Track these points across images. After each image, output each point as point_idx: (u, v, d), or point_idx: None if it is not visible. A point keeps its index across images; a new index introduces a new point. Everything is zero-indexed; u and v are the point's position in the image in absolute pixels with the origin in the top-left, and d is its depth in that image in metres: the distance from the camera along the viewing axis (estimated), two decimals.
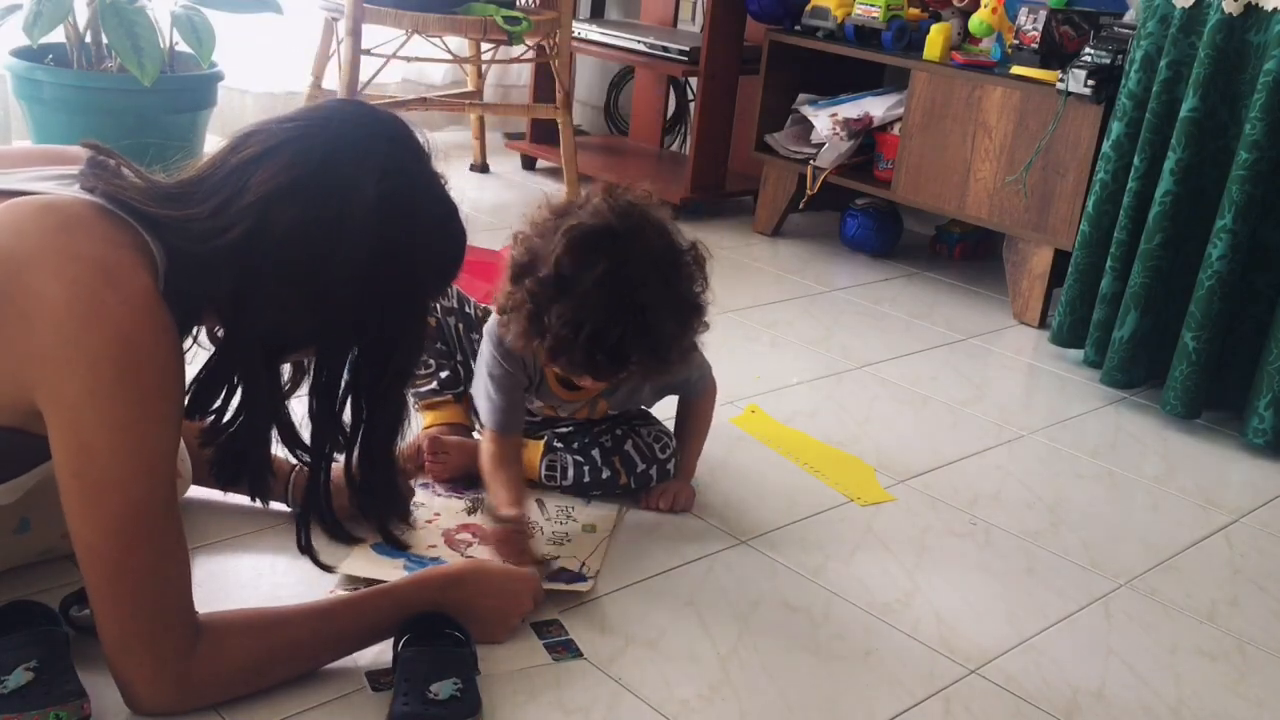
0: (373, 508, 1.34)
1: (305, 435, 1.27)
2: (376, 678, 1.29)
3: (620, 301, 1.43)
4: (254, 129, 1.20)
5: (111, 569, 1.13)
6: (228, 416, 1.24)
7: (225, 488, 1.26)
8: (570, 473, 1.72)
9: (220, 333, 1.22)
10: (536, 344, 1.49)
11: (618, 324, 1.43)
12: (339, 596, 1.33)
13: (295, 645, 1.25)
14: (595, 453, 1.72)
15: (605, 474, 1.72)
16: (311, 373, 1.24)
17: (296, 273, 1.15)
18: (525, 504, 1.63)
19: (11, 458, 1.22)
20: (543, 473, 1.72)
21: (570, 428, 1.77)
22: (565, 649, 1.38)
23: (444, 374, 1.81)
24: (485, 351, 1.66)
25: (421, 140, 1.24)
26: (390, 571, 1.47)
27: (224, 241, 1.14)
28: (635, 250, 1.46)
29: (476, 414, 1.76)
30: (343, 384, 1.23)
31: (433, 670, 1.23)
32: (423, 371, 1.79)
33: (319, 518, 1.31)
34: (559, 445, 1.73)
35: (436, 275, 1.27)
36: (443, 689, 1.21)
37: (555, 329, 1.44)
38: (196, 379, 1.20)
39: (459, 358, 1.82)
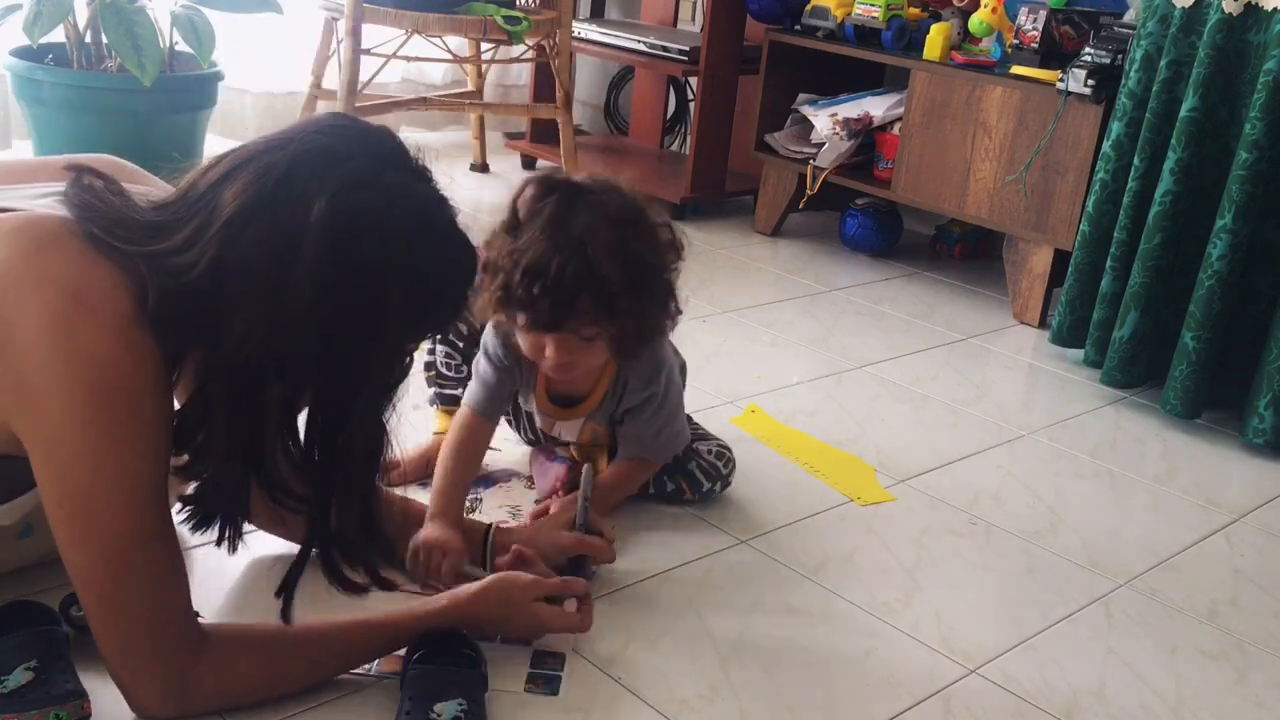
0: (354, 550, 1.21)
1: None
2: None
3: (561, 234, 1.42)
4: (236, 148, 1.14)
5: (103, 593, 1.11)
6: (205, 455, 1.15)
7: (195, 530, 1.18)
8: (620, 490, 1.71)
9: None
10: (488, 297, 1.46)
11: (556, 254, 1.41)
12: (357, 618, 1.28)
13: (308, 665, 1.24)
14: (660, 474, 1.73)
15: (670, 488, 1.73)
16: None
17: (258, 295, 1.06)
18: (456, 521, 1.52)
19: (8, 480, 1.20)
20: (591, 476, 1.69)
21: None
22: (544, 683, 1.32)
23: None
24: (485, 334, 1.64)
25: (414, 154, 1.15)
26: (389, 574, 1.46)
27: (197, 273, 1.07)
28: (589, 198, 1.46)
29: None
30: (311, 416, 1.14)
31: (439, 690, 1.22)
32: (451, 375, 1.78)
33: (323, 560, 1.21)
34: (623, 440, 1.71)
35: (414, 299, 1.12)
36: (447, 709, 1.20)
37: (502, 266, 1.44)
38: (178, 412, 1.13)
39: None
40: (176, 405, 1.14)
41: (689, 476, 1.74)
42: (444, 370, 1.80)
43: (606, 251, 1.42)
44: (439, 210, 1.15)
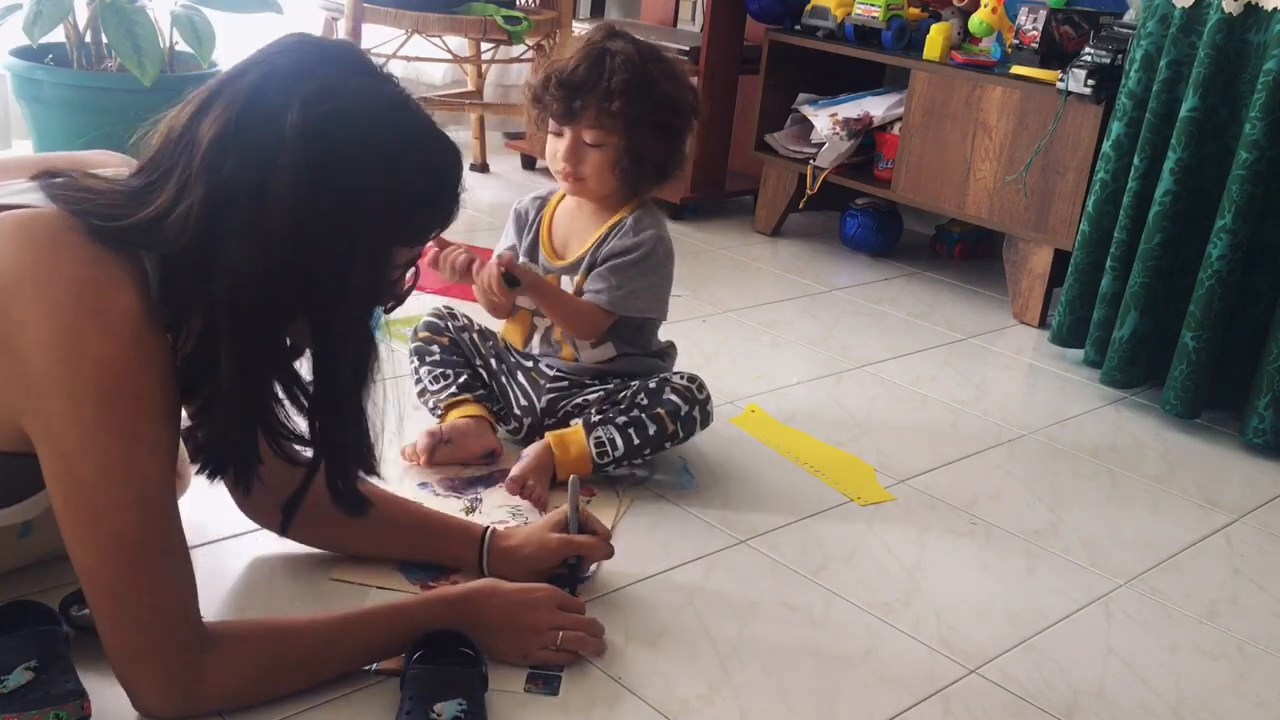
0: (339, 458, 1.21)
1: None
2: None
3: (592, 48, 1.71)
4: (206, 82, 1.15)
5: (111, 591, 1.12)
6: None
7: (212, 477, 1.20)
8: (619, 441, 1.74)
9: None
10: (528, 109, 1.77)
11: (578, 57, 1.71)
12: (352, 611, 1.30)
13: (306, 658, 1.24)
14: (636, 413, 1.75)
15: (653, 429, 1.75)
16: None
17: (245, 218, 1.07)
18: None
19: (19, 480, 1.20)
20: (594, 455, 1.73)
21: (602, 408, 1.78)
22: (544, 683, 1.32)
23: (462, 378, 1.87)
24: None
25: (379, 64, 1.17)
26: (387, 574, 1.47)
27: (191, 230, 1.07)
28: (629, 35, 1.75)
29: (496, 412, 1.87)
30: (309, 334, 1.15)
31: (438, 689, 1.22)
32: (441, 383, 1.86)
33: (329, 476, 1.22)
34: (598, 420, 1.75)
35: (392, 195, 1.12)
36: (447, 709, 1.20)
37: (537, 73, 1.75)
38: (184, 356, 1.13)
39: (477, 362, 1.89)
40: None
41: (666, 404, 1.75)
42: (431, 386, 1.87)
43: (623, 65, 1.69)
44: (409, 108, 1.16)
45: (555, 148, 1.77)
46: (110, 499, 1.08)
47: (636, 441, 1.75)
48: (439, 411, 1.85)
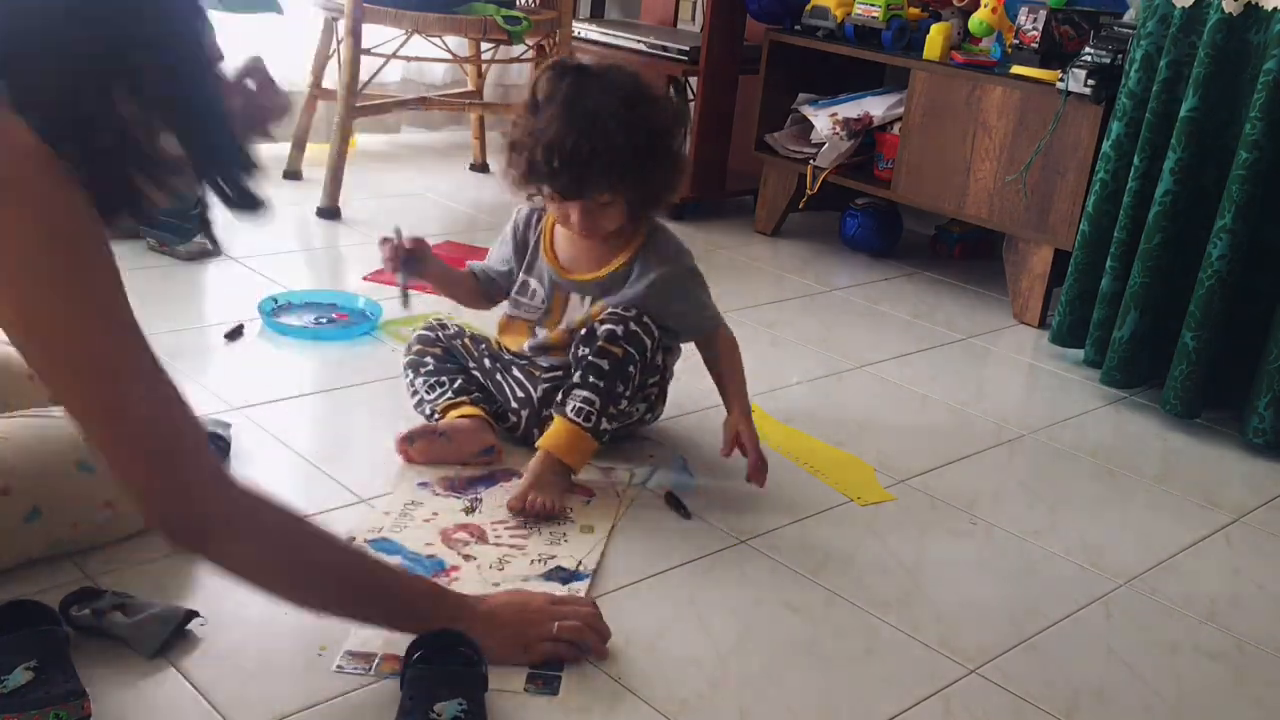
0: (214, 158, 1.21)
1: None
2: (350, 657, 1.31)
3: (576, 110, 1.66)
4: None
5: (108, 423, 1.10)
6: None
7: (108, 219, 1.15)
8: (588, 394, 1.71)
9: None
10: (515, 174, 1.72)
11: (571, 130, 1.64)
12: (384, 561, 1.35)
13: (324, 565, 1.22)
14: (584, 364, 1.73)
15: (605, 364, 1.72)
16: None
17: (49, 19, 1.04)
18: (435, 264, 1.86)
19: None
20: (582, 424, 1.71)
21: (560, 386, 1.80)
22: (544, 683, 1.31)
23: (457, 382, 1.87)
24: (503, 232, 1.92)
25: None
26: None
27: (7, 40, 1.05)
28: (600, 78, 1.70)
29: (494, 410, 1.88)
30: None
31: (438, 689, 1.21)
32: (436, 390, 1.86)
33: (220, 191, 1.22)
34: (561, 398, 1.75)
35: None
36: (447, 709, 1.20)
37: (525, 144, 1.68)
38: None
39: (471, 366, 1.90)
40: None
41: (602, 336, 1.73)
42: (427, 395, 1.87)
43: (616, 124, 1.65)
44: None
45: (567, 212, 1.74)
46: (81, 327, 1.07)
47: (601, 383, 1.71)
48: (436, 416, 1.85)
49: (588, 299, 1.82)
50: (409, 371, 1.90)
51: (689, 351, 1.92)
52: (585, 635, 1.35)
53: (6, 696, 1.13)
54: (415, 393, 1.88)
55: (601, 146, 1.65)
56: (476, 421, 1.82)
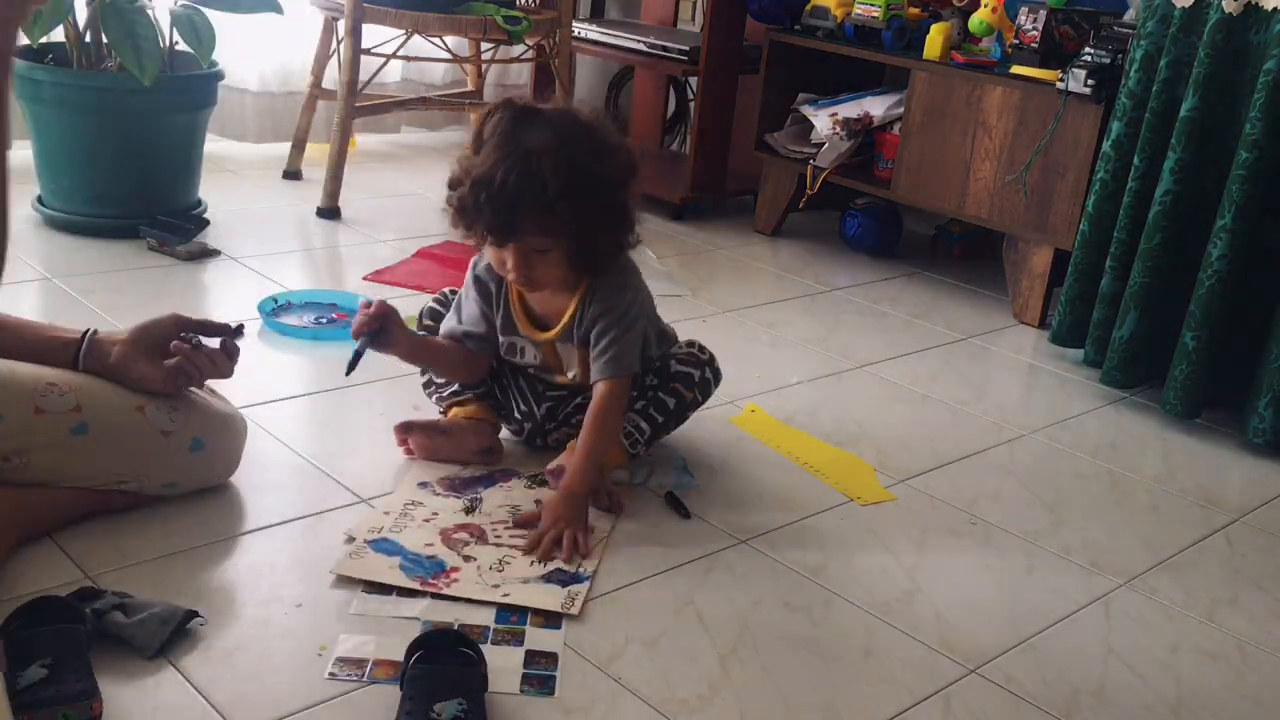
0: None
1: None
2: (341, 664, 1.30)
3: (510, 148, 1.56)
4: None
5: None
6: None
7: None
8: (644, 425, 1.77)
9: None
10: (451, 212, 1.62)
11: (503, 165, 1.54)
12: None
13: None
14: (651, 394, 1.77)
15: (672, 402, 1.76)
16: None
17: None
18: (408, 341, 1.73)
19: None
20: (625, 445, 1.75)
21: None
22: (540, 683, 1.31)
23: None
24: (465, 281, 1.79)
25: None
26: (386, 572, 1.47)
27: None
28: (542, 117, 1.59)
29: (499, 410, 1.87)
30: None
31: (439, 690, 1.22)
32: (442, 380, 1.86)
33: None
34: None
35: None
36: (447, 709, 1.20)
37: (460, 180, 1.60)
38: None
39: None
40: None
41: (677, 376, 1.78)
42: (436, 377, 1.87)
43: (551, 163, 1.54)
44: None
45: (501, 258, 1.63)
46: None
47: (660, 419, 1.79)
48: (441, 408, 1.86)
49: (570, 345, 1.75)
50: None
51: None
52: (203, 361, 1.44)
53: (19, 693, 1.14)
54: (426, 371, 1.87)
55: (532, 185, 1.53)
56: (478, 421, 1.82)
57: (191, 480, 1.57)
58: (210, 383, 1.68)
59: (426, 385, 1.89)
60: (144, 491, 1.53)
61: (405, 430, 1.78)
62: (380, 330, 1.67)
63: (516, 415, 1.85)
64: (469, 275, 1.77)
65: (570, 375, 1.78)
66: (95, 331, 1.54)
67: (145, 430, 1.51)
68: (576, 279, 1.69)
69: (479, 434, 1.80)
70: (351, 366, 1.65)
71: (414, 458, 1.78)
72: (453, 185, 1.63)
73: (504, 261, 1.62)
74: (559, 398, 1.82)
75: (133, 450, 1.50)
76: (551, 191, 1.54)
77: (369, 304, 1.68)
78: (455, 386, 1.85)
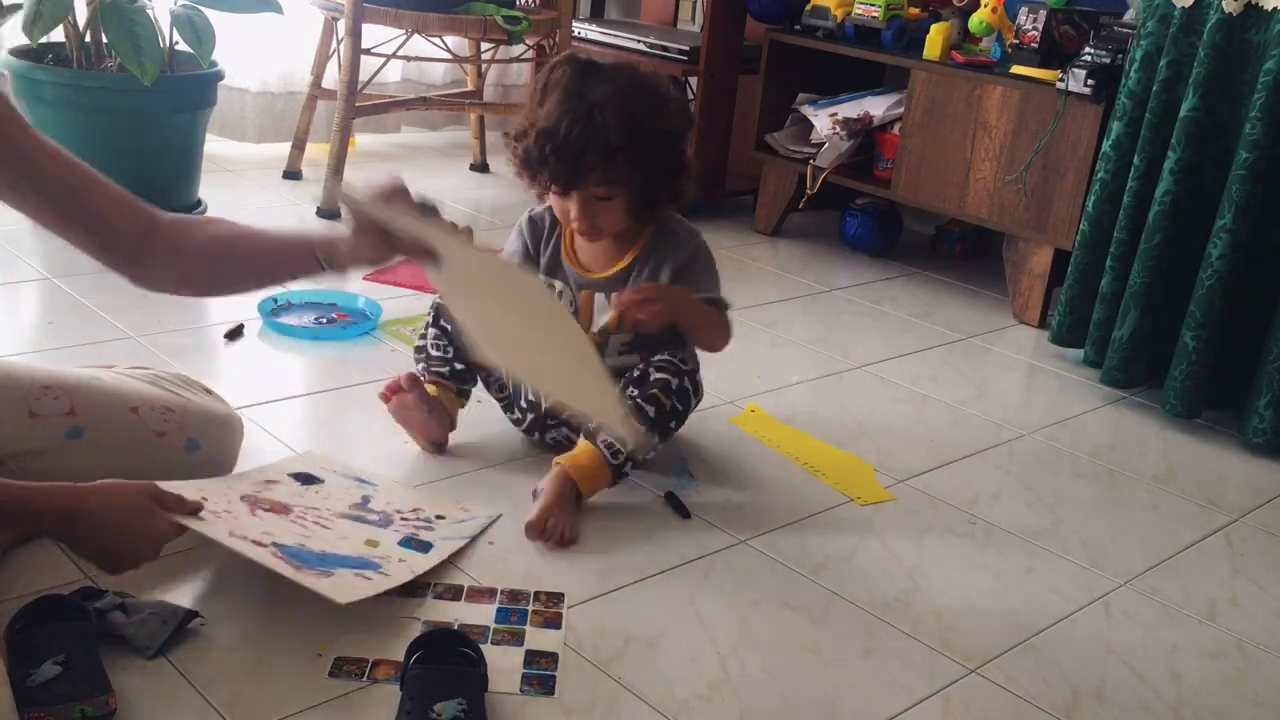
0: None
1: None
2: (341, 664, 1.30)
3: (574, 101, 1.63)
4: None
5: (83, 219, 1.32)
6: None
7: None
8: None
9: None
10: (516, 162, 1.70)
11: (566, 118, 1.62)
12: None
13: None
14: (630, 403, 1.70)
15: (651, 410, 1.71)
16: None
17: None
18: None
19: None
20: (608, 457, 1.68)
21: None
22: (540, 683, 1.32)
23: (459, 366, 1.83)
24: (515, 228, 1.87)
25: None
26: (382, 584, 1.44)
27: None
28: (606, 71, 1.67)
29: (504, 402, 1.89)
30: None
31: (438, 689, 1.22)
32: (439, 354, 1.84)
33: None
34: (596, 426, 1.71)
35: None
36: (447, 709, 1.20)
37: (524, 132, 1.68)
38: None
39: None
40: None
41: (656, 384, 1.72)
42: (433, 351, 1.84)
43: (612, 115, 1.62)
44: None
45: (565, 206, 1.71)
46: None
47: (642, 429, 1.71)
48: (425, 377, 1.83)
49: (612, 296, 1.76)
50: (431, 311, 1.85)
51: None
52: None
53: (34, 690, 1.14)
54: (423, 337, 1.85)
55: (595, 136, 1.62)
56: (437, 414, 1.79)
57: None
58: (208, 383, 1.68)
59: (418, 351, 1.87)
60: None
61: (410, 384, 1.76)
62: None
63: (522, 404, 1.85)
64: (521, 220, 1.85)
65: (595, 330, 1.77)
66: (323, 242, 1.46)
67: (140, 432, 1.50)
68: (637, 228, 1.77)
69: (429, 425, 1.78)
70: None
71: (387, 405, 1.78)
72: (518, 137, 1.70)
73: (568, 211, 1.70)
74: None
75: (128, 453, 1.49)
76: (613, 142, 1.62)
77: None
78: (444, 370, 1.82)
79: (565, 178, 1.66)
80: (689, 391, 1.77)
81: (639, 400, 1.72)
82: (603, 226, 1.72)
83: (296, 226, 1.58)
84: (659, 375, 1.73)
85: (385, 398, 1.79)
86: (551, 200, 1.74)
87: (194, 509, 1.38)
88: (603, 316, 1.78)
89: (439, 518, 1.62)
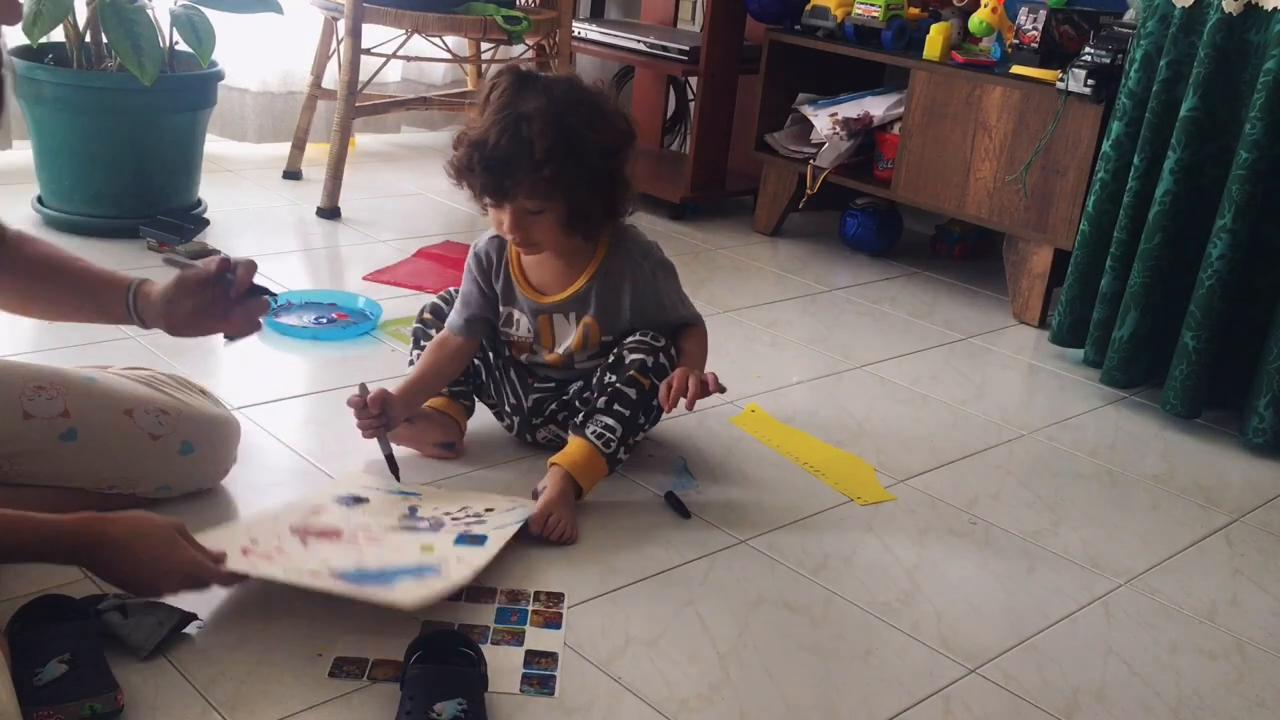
0: None
1: None
2: (341, 664, 1.30)
3: (506, 111, 1.61)
4: None
5: None
6: None
7: None
8: (611, 421, 1.70)
9: None
10: (451, 170, 1.68)
11: (495, 129, 1.61)
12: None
13: None
14: (610, 390, 1.71)
15: (633, 392, 1.70)
16: None
17: None
18: (408, 407, 1.76)
19: None
20: (601, 449, 1.69)
21: (578, 405, 1.78)
22: (540, 683, 1.32)
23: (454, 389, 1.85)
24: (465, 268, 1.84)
25: None
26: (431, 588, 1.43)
27: None
28: (540, 82, 1.65)
29: (469, 411, 1.87)
30: None
31: (438, 689, 1.22)
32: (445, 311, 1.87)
33: None
34: (582, 419, 1.72)
35: None
36: (447, 709, 1.20)
37: (461, 140, 1.66)
38: None
39: (475, 356, 1.86)
40: None
41: (632, 365, 1.71)
42: (443, 305, 1.89)
43: (540, 126, 1.59)
44: None
45: (499, 218, 1.68)
46: None
47: (626, 412, 1.71)
48: (415, 354, 1.85)
49: (572, 316, 1.78)
50: (414, 337, 1.90)
51: None
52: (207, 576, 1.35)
53: (41, 689, 1.15)
54: (414, 364, 1.86)
55: (522, 148, 1.59)
56: (443, 415, 1.81)
57: (183, 483, 1.57)
58: (208, 383, 1.68)
59: (410, 365, 1.87)
60: (137, 494, 1.53)
61: (380, 406, 1.72)
62: (382, 415, 1.71)
63: (506, 409, 1.86)
64: (468, 256, 1.83)
65: (560, 350, 1.78)
66: (141, 282, 1.56)
67: (134, 434, 1.50)
68: (590, 247, 1.74)
69: (443, 427, 1.80)
70: (393, 465, 1.71)
71: (368, 434, 1.73)
72: (455, 146, 1.69)
73: (501, 222, 1.68)
74: (546, 391, 1.82)
75: (122, 455, 1.49)
76: (540, 155, 1.59)
77: (359, 398, 1.71)
78: (432, 332, 1.85)
79: (493, 189, 1.63)
80: (666, 368, 1.73)
81: (618, 385, 1.72)
82: (538, 240, 1.68)
83: (114, 270, 1.60)
84: (634, 356, 1.73)
85: (363, 425, 1.74)
86: (490, 211, 1.70)
87: (217, 559, 1.37)
88: (566, 339, 1.78)
89: (488, 510, 1.63)
